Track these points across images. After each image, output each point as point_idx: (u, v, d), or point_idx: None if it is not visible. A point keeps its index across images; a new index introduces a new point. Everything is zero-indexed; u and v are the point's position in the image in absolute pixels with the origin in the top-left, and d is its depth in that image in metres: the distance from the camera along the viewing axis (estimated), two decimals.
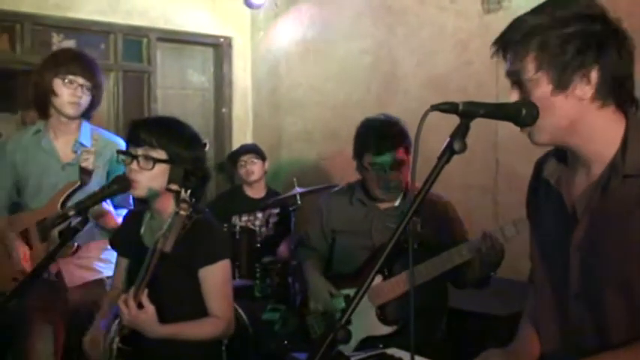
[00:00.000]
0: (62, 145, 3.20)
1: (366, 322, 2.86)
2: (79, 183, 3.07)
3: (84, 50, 3.62)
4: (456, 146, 1.36)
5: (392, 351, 2.15)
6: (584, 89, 1.49)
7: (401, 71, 4.76)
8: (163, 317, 2.24)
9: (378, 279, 2.84)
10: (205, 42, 6.09)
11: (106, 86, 3.41)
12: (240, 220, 4.72)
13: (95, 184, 3.08)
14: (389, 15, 4.83)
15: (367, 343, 2.81)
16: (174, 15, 5.76)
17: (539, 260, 1.75)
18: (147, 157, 2.32)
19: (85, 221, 2.29)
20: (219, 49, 6.14)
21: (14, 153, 3.20)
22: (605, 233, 1.52)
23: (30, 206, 3.18)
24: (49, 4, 5.14)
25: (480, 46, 4.19)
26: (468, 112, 1.39)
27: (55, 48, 5.24)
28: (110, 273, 3.26)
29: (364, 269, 2.91)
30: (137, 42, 5.71)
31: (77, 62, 3.14)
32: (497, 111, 1.45)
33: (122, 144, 3.29)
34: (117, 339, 2.32)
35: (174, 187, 2.32)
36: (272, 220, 4.84)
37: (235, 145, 6.05)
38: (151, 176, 2.33)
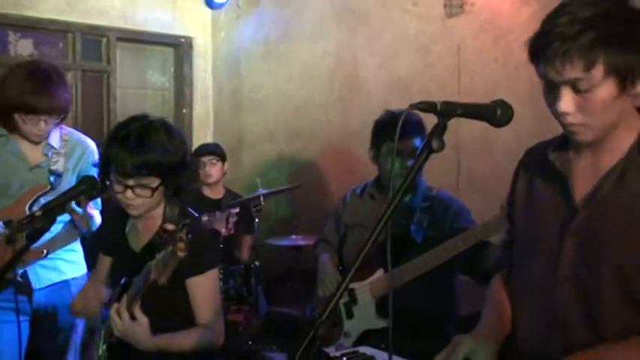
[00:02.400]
0: (30, 147, 3.08)
1: (367, 316, 2.92)
2: (48, 187, 3.00)
3: (41, 62, 3.26)
4: (434, 145, 1.38)
5: (364, 349, 2.16)
6: (637, 91, 1.52)
7: (363, 73, 4.79)
8: (152, 328, 2.18)
9: (380, 272, 2.89)
10: (166, 42, 6.04)
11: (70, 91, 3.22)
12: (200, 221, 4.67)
13: (65, 187, 3.01)
14: (351, 17, 4.86)
15: (367, 337, 2.85)
16: (134, 14, 5.70)
17: (524, 242, 1.78)
18: (143, 186, 2.25)
19: (51, 221, 2.25)
20: (180, 49, 6.10)
21: None
22: (608, 222, 1.56)
23: None
24: (6, 2, 5.03)
25: (443, 49, 4.24)
26: (445, 112, 1.42)
27: (11, 47, 5.16)
28: (75, 275, 3.22)
29: (370, 264, 2.93)
30: (96, 41, 5.63)
31: (37, 98, 2.88)
32: (473, 111, 1.47)
33: (92, 144, 3.24)
34: (104, 346, 2.29)
35: (170, 227, 2.10)
36: (232, 219, 4.80)
37: (196, 146, 6.00)
38: (148, 200, 2.28)
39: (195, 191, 4.92)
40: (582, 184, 1.63)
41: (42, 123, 2.96)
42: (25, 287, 3.03)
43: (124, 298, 2.17)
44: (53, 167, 3.01)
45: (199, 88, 6.18)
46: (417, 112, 2.95)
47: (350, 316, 3.03)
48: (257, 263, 4.38)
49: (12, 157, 3.07)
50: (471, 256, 2.73)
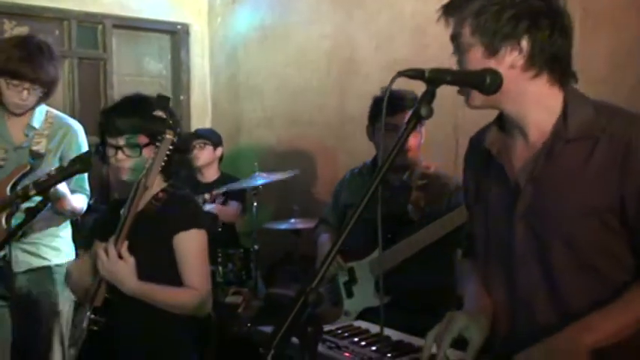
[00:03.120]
0: (14, 127, 3.12)
1: (366, 294, 2.94)
2: (28, 167, 3.01)
3: (36, 36, 3.29)
4: (423, 112, 1.38)
5: (359, 323, 2.16)
6: (514, 57, 1.57)
7: (360, 56, 4.77)
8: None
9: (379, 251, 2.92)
10: (162, 28, 6.01)
11: (61, 73, 3.21)
12: None
13: (46, 169, 3.02)
14: None
15: (366, 314, 2.85)
16: (129, 1, 5.68)
17: (483, 232, 1.80)
18: (131, 146, 2.31)
19: (46, 201, 2.26)
20: (176, 35, 6.07)
21: None
22: (549, 198, 1.59)
23: None
24: None
25: (439, 30, 4.21)
26: (434, 79, 1.42)
27: (7, 35, 5.13)
28: (59, 261, 3.24)
29: (369, 243, 2.94)
30: (92, 29, 5.62)
31: (23, 65, 2.95)
32: (462, 78, 1.48)
33: (77, 126, 3.25)
34: (88, 312, 2.29)
35: (159, 113, 2.31)
36: (218, 201, 4.79)
37: None
38: (139, 160, 2.32)
39: (189, 176, 4.93)
40: (520, 166, 1.67)
41: (25, 92, 2.98)
42: (5, 271, 3.01)
43: (111, 238, 2.21)
44: (34, 148, 3.03)
45: (196, 75, 6.15)
46: (413, 91, 3.00)
47: (350, 295, 3.05)
48: (256, 247, 4.39)
49: None
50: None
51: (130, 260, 2.20)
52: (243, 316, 4.02)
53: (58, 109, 5.03)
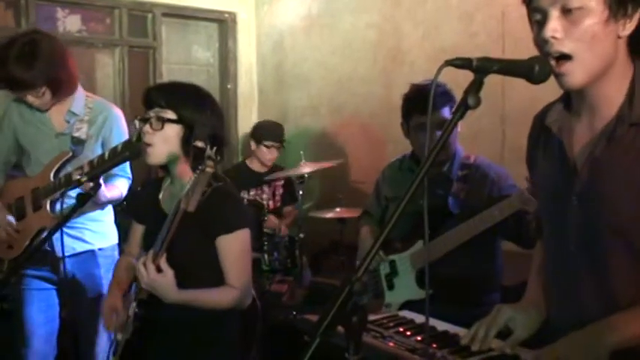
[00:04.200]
0: (55, 114, 3.14)
1: (407, 287, 2.94)
2: (70, 153, 3.06)
3: (27, 35, 3.08)
4: (470, 101, 1.36)
5: (404, 313, 2.16)
6: (626, 27, 1.48)
7: (406, 44, 4.74)
8: (180, 283, 2.23)
9: (420, 243, 2.92)
10: (210, 17, 6.06)
11: (55, 67, 3.04)
12: (249, 195, 4.77)
13: (88, 154, 3.06)
14: None
15: (407, 307, 2.85)
16: None
17: (542, 213, 1.76)
18: (157, 118, 2.31)
19: (97, 187, 2.30)
20: (224, 24, 6.12)
21: (13, 118, 3.19)
22: (606, 182, 1.53)
23: (25, 174, 3.18)
24: None
25: (486, 18, 4.17)
26: (481, 68, 1.39)
27: (60, 23, 5.25)
28: (102, 245, 3.27)
29: (410, 235, 2.95)
30: (142, 17, 5.69)
31: (15, 84, 2.96)
32: (510, 67, 1.44)
33: (117, 111, 3.25)
34: (134, 303, 2.34)
35: (199, 143, 2.30)
36: (278, 192, 4.88)
37: (241, 121, 6.07)
38: (162, 138, 2.31)
39: (242, 166, 5.00)
40: (581, 148, 1.60)
41: (29, 97, 3.01)
42: (51, 255, 3.06)
43: (150, 251, 2.22)
44: (75, 134, 3.06)
45: (243, 63, 6.19)
46: (443, 82, 2.97)
47: (391, 287, 3.04)
48: (301, 235, 4.41)
49: (39, 125, 3.15)
50: (516, 225, 2.68)
51: (169, 272, 2.20)
52: (288, 304, 4.05)
53: (108, 96, 5.19)
